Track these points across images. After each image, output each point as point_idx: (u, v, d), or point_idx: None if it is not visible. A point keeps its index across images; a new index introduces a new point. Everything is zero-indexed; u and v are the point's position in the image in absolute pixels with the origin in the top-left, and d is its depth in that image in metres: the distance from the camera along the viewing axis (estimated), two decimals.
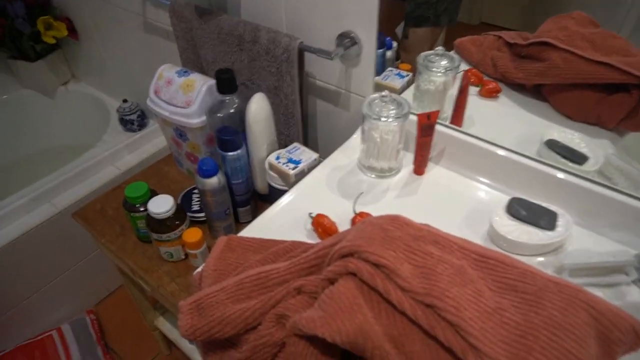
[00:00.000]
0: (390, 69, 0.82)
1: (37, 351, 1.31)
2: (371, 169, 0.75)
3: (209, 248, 0.83)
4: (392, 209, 0.68)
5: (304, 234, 0.66)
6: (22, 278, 1.25)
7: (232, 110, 0.84)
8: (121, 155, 1.39)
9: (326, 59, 0.84)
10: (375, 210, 0.67)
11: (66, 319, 1.40)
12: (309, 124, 1.00)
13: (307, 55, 0.88)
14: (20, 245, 1.20)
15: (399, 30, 0.80)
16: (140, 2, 1.19)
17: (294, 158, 0.81)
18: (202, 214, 0.90)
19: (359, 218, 0.64)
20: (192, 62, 1.05)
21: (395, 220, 0.49)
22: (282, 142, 0.95)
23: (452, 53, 0.73)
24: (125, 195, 0.83)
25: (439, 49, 0.73)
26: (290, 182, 0.79)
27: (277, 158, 0.81)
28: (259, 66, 0.89)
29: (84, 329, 1.39)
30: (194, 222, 0.90)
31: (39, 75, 1.66)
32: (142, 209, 0.84)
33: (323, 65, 0.88)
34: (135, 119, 1.44)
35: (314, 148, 0.95)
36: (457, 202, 0.69)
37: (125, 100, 1.44)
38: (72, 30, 1.56)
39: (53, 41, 1.53)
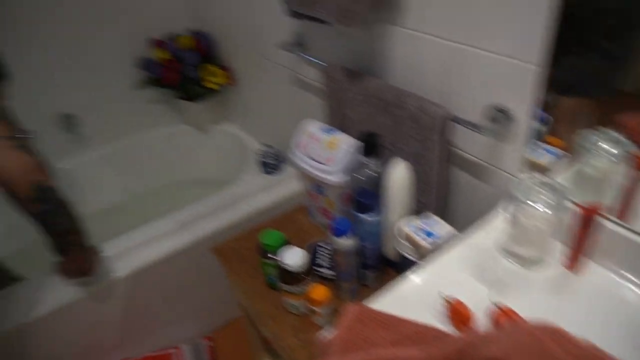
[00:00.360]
0: (537, 142, 0.77)
1: None
2: (515, 255, 0.70)
3: (335, 309, 0.84)
4: (539, 311, 0.62)
5: (434, 316, 0.62)
6: (156, 294, 1.39)
7: (372, 173, 0.85)
8: (257, 195, 1.49)
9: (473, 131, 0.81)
10: (519, 307, 0.61)
11: (184, 340, 1.51)
12: (447, 194, 0.97)
13: (453, 124, 0.86)
14: (160, 266, 1.34)
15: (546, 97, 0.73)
16: (295, 60, 1.30)
17: (429, 229, 0.79)
18: (328, 271, 0.91)
19: (502, 315, 0.58)
20: (336, 120, 1.10)
21: (555, 334, 0.44)
22: (417, 209, 0.93)
23: (616, 133, 0.65)
24: (261, 241, 0.88)
25: (603, 129, 0.66)
26: (423, 254, 0.76)
27: (411, 227, 0.80)
28: (403, 131, 0.90)
29: (199, 353, 1.48)
30: (318, 277, 0.91)
31: (198, 114, 1.89)
32: (274, 257, 0.88)
33: (469, 137, 0.85)
34: (274, 163, 1.55)
35: (450, 220, 0.91)
36: (621, 313, 0.60)
37: (267, 145, 1.56)
38: (230, 78, 1.75)
39: (215, 87, 1.74)
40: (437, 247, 0.76)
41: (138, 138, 1.92)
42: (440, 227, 0.79)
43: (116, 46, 1.73)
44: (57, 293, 1.20)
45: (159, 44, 1.77)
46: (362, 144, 0.84)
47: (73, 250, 1.07)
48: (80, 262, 1.12)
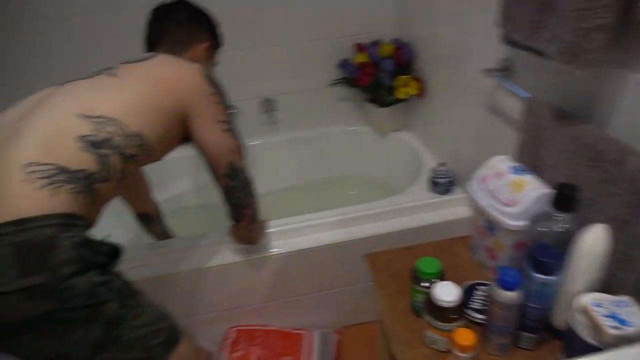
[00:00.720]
0: None
1: (289, 340, 1.53)
2: None
3: (476, 358, 0.78)
4: None
5: None
6: (303, 278, 1.48)
7: (559, 229, 0.75)
8: (421, 211, 1.47)
9: None
10: None
11: (316, 326, 1.58)
12: None
13: None
14: (313, 254, 1.42)
15: None
16: (494, 85, 1.22)
17: (620, 315, 0.66)
18: (480, 315, 0.85)
19: None
20: (528, 159, 1.00)
21: None
22: (609, 284, 0.79)
23: None
24: (416, 267, 0.86)
25: None
26: (604, 341, 0.65)
27: (596, 305, 0.68)
28: (612, 192, 0.77)
29: (327, 343, 1.54)
30: (468, 319, 0.85)
31: (381, 118, 1.93)
32: (426, 285, 0.85)
33: None
34: (444, 183, 1.49)
35: None
36: None
37: (442, 164, 1.52)
38: (421, 90, 1.74)
39: (404, 96, 1.75)
40: (626, 341, 0.63)
41: (322, 130, 2.06)
42: (638, 317, 0.66)
43: (324, 46, 1.87)
44: (224, 253, 1.38)
45: (361, 48, 1.86)
46: (556, 194, 0.75)
47: (245, 221, 1.21)
48: (249, 232, 1.28)
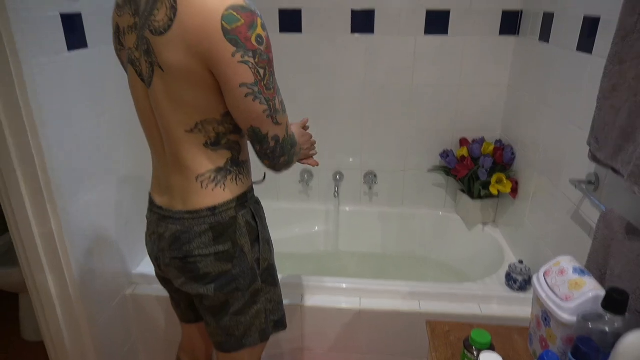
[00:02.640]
0: None
1: None
2: None
3: None
4: None
5: None
6: (369, 337, 1.59)
7: (606, 329, 0.82)
8: (490, 301, 1.53)
9: None
10: None
11: None
12: None
13: None
14: (381, 316, 1.54)
15: None
16: (580, 195, 1.31)
17: None
18: None
19: None
20: (596, 266, 1.07)
21: None
22: None
23: None
24: (471, 335, 0.96)
25: None
26: None
27: None
28: None
29: None
30: None
31: (471, 210, 2.04)
32: (475, 354, 0.94)
33: None
34: (519, 281, 1.54)
35: None
36: None
37: (520, 261, 1.58)
38: (514, 190, 1.84)
39: (496, 193, 1.86)
40: None
41: (414, 210, 2.22)
42: None
43: (432, 135, 2.08)
44: (306, 296, 1.57)
45: (465, 143, 2.04)
46: (607, 296, 0.83)
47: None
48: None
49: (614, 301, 0.82)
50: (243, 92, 0.81)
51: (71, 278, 1.31)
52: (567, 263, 1.00)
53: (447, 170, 2.07)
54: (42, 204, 1.21)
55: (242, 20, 0.76)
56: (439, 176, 2.16)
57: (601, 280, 1.05)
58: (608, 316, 0.83)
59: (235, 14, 0.75)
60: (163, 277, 1.11)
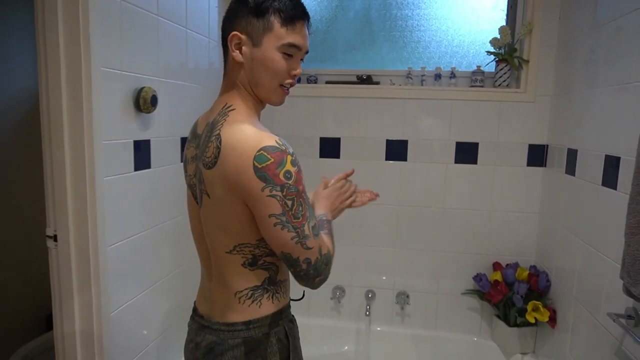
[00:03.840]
0: None
1: None
2: None
3: None
4: None
5: None
6: None
7: None
8: None
9: None
10: None
11: None
12: None
13: None
14: None
15: None
16: (621, 330, 1.27)
17: None
18: None
19: None
20: None
21: None
22: None
23: None
24: None
25: None
26: None
27: None
28: None
29: None
30: None
31: (508, 336, 1.97)
32: None
33: None
34: None
35: None
36: None
37: None
38: (552, 319, 1.79)
39: (533, 321, 1.81)
40: None
41: (447, 335, 2.15)
42: None
43: (465, 258, 2.11)
44: None
45: (499, 267, 2.04)
46: None
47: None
48: None
49: None
50: (272, 222, 0.88)
51: None
52: None
53: (481, 295, 2.05)
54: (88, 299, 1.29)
55: (272, 159, 0.85)
56: (473, 300, 2.13)
57: None
58: None
59: (265, 154, 0.85)
60: None
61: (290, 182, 0.87)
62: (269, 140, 0.87)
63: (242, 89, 0.98)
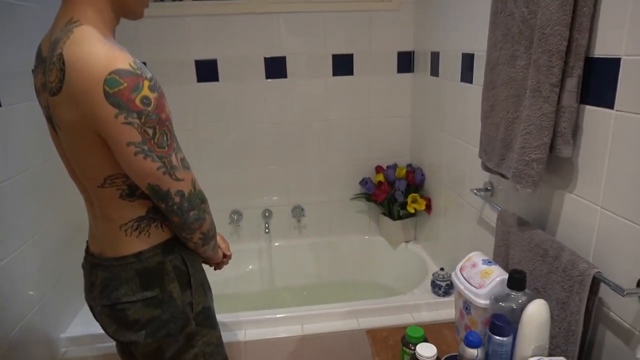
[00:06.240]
0: None
1: None
2: None
3: None
4: None
5: None
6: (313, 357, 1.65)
7: (514, 305, 0.97)
8: (420, 309, 1.67)
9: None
10: None
11: None
12: (592, 351, 1.00)
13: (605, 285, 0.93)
14: (324, 339, 1.61)
15: None
16: (481, 202, 1.51)
17: None
18: None
19: None
20: (501, 257, 1.25)
21: None
22: (556, 354, 0.99)
23: None
24: (406, 332, 1.07)
25: None
26: None
27: None
28: (554, 279, 1.01)
29: None
30: None
31: (393, 230, 2.22)
32: (412, 348, 1.05)
33: (620, 300, 0.91)
34: (443, 286, 1.71)
35: None
36: None
37: (441, 269, 1.75)
38: (428, 207, 2.05)
39: (413, 211, 2.06)
40: None
41: (342, 238, 2.35)
42: None
43: (351, 166, 2.26)
44: (243, 332, 1.59)
45: (380, 169, 2.23)
46: (510, 276, 0.99)
47: (199, 249, 1.04)
48: (203, 253, 1.08)
49: (515, 280, 0.98)
50: (132, 150, 0.81)
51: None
52: (477, 257, 1.16)
53: (368, 197, 2.24)
54: None
55: (125, 84, 0.77)
56: (361, 203, 2.33)
57: (505, 267, 1.22)
58: (513, 294, 0.99)
59: (117, 77, 0.76)
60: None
61: (149, 108, 0.80)
62: (122, 62, 0.77)
63: None
